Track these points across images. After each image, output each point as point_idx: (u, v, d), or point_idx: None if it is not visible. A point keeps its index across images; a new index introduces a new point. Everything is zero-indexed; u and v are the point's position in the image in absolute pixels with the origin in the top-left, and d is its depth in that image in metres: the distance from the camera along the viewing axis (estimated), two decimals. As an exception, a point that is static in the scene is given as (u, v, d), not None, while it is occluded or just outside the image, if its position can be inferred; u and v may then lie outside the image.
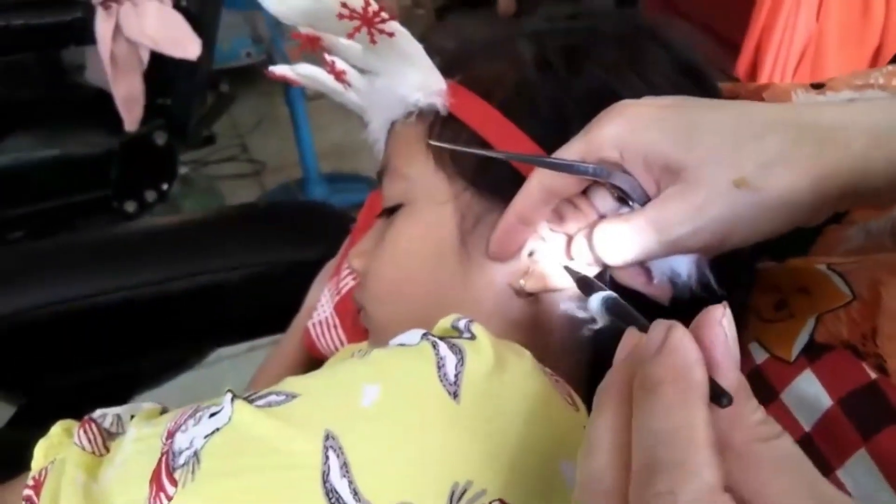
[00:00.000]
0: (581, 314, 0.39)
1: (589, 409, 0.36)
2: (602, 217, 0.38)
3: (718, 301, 0.25)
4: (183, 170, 2.07)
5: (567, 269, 0.38)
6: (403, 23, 0.40)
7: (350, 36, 0.40)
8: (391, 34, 0.40)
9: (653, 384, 0.23)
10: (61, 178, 1.42)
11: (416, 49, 0.42)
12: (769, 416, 0.23)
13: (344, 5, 0.38)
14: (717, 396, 0.23)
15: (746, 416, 0.23)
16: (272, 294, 0.83)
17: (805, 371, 0.39)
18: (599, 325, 0.34)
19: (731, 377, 0.23)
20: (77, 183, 1.44)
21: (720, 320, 0.24)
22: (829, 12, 1.29)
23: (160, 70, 1.36)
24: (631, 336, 0.27)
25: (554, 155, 0.37)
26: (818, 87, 0.52)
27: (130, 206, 1.47)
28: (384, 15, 0.39)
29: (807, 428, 0.38)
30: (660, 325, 0.24)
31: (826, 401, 0.38)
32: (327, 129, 2.02)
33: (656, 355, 0.23)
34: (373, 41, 0.40)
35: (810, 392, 0.38)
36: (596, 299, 0.33)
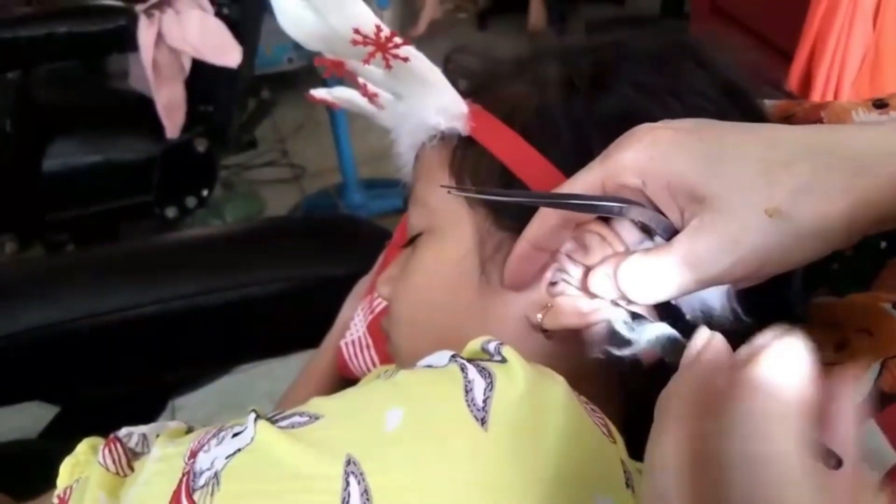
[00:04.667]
0: (614, 353, 0.37)
1: (627, 442, 0.34)
2: (628, 250, 0.36)
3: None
4: (224, 173, 2.09)
5: (614, 303, 0.36)
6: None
7: (365, 61, 0.39)
8: (406, 59, 0.39)
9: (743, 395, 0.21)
10: (104, 183, 1.45)
11: (433, 73, 0.42)
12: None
13: (357, 31, 0.38)
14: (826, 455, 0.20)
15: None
16: (304, 309, 0.82)
17: (868, 422, 0.36)
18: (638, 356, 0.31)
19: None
20: (119, 188, 1.46)
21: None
22: (887, 17, 1.24)
23: (201, 77, 1.37)
24: (708, 339, 0.25)
25: (571, 181, 0.35)
26: (881, 105, 0.49)
27: (171, 212, 1.50)
28: (397, 40, 0.38)
29: (870, 486, 0.35)
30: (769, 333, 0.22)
31: (891, 456, 0.35)
32: (366, 135, 2.02)
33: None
34: (388, 66, 0.39)
35: (873, 446, 0.35)
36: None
